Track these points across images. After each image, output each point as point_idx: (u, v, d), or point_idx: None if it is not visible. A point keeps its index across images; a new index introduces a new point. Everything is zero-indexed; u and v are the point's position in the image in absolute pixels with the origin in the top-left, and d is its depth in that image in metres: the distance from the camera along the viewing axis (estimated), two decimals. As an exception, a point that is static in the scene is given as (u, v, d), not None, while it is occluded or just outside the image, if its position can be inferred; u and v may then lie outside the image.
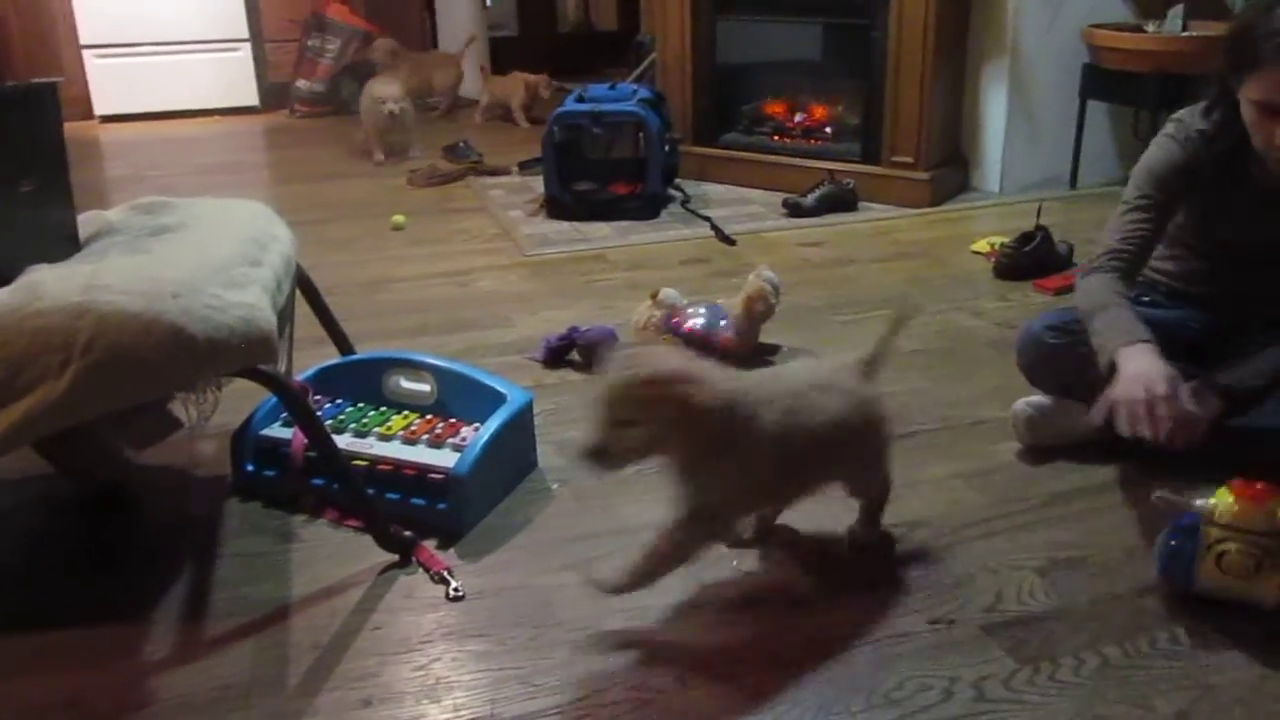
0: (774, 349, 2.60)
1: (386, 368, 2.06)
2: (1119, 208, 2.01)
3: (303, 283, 2.04)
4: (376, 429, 1.95)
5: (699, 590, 1.65)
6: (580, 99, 3.87)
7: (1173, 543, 1.57)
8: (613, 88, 3.97)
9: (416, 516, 1.82)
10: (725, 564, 1.72)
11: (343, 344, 2.19)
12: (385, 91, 4.59)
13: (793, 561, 1.73)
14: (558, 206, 3.81)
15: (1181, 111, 1.95)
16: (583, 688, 1.45)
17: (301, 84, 5.77)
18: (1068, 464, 2.00)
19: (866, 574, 1.69)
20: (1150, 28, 3.81)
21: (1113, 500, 1.90)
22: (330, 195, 4.11)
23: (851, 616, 1.58)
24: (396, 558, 1.74)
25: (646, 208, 3.79)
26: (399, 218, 3.72)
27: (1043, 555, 1.73)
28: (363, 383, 2.07)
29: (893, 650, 1.51)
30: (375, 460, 1.88)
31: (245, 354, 1.49)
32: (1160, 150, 1.94)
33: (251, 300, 1.52)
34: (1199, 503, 1.54)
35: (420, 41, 6.29)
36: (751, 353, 2.53)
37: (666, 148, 3.89)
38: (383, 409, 2.03)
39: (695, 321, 2.49)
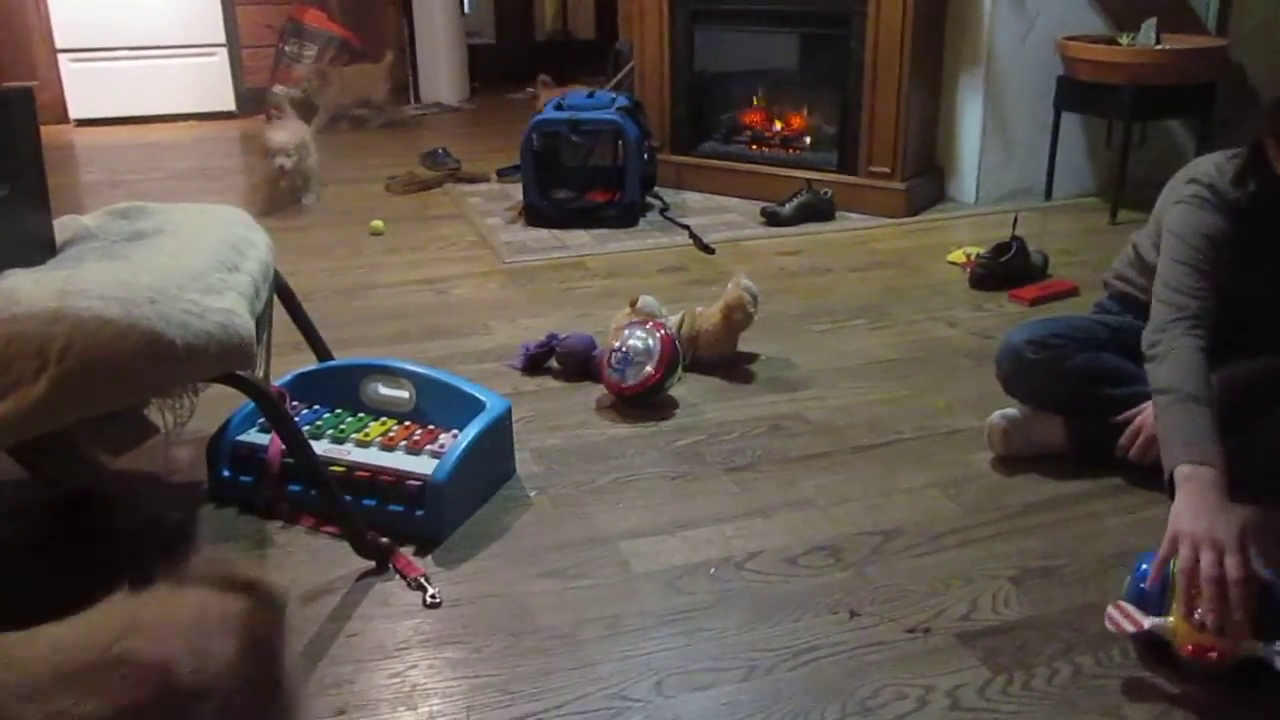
0: (752, 357, 2.61)
1: (364, 374, 2.05)
2: (1168, 264, 1.82)
3: (281, 289, 2.03)
4: (354, 435, 1.95)
5: (676, 599, 1.66)
6: (559, 107, 3.87)
7: (1140, 591, 1.52)
8: (591, 95, 3.97)
9: (394, 523, 1.82)
10: (703, 572, 1.73)
11: (320, 350, 2.19)
12: (278, 141, 4.06)
13: (768, 571, 1.74)
14: (536, 214, 3.81)
15: (1199, 171, 1.86)
16: (559, 695, 1.45)
17: (278, 89, 5.74)
18: (1041, 475, 2.02)
19: (842, 584, 1.70)
20: (1123, 40, 3.85)
21: (1086, 510, 1.92)
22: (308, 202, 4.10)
23: (828, 625, 1.59)
24: (373, 564, 1.74)
25: (625, 216, 3.79)
26: (377, 223, 3.71)
27: (1017, 564, 1.74)
28: (340, 389, 2.06)
29: (868, 659, 1.52)
30: (352, 467, 1.87)
31: (222, 360, 1.48)
32: (1188, 216, 1.82)
33: (229, 306, 1.51)
34: (1153, 622, 1.47)
35: (398, 49, 6.27)
36: (731, 361, 2.54)
37: (645, 155, 3.89)
38: (360, 415, 2.03)
39: (611, 375, 2.32)
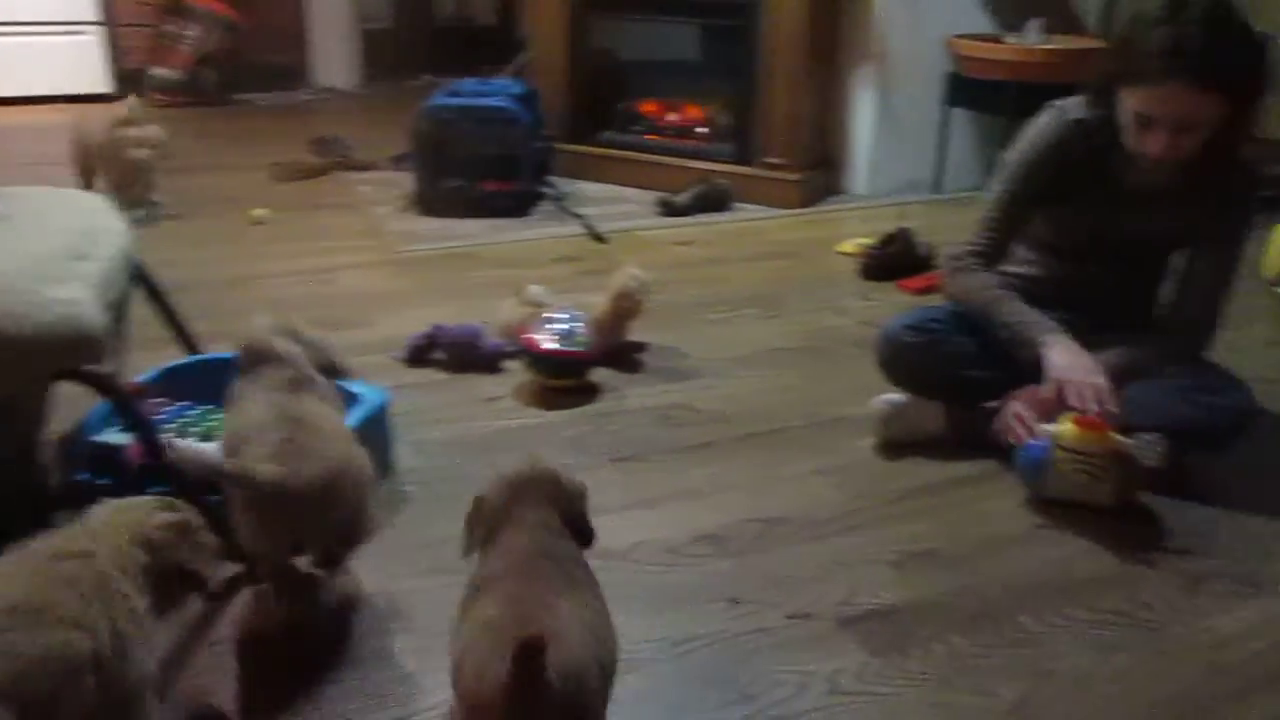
0: (641, 346, 2.59)
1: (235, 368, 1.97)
2: (986, 201, 2.08)
3: (144, 279, 1.94)
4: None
5: (557, 591, 1.63)
6: (451, 93, 3.80)
7: (1029, 454, 1.86)
8: (485, 82, 3.91)
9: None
10: (584, 564, 1.70)
11: (189, 344, 2.09)
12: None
13: (650, 562, 1.72)
14: (428, 203, 3.74)
15: (1060, 100, 2.01)
16: (434, 695, 1.41)
17: (159, 72, 5.52)
18: (922, 459, 2.05)
19: (725, 572, 1.69)
20: (1010, 39, 3.94)
21: (963, 494, 1.95)
22: (188, 189, 3.94)
23: (708, 614, 1.58)
24: (240, 567, 1.66)
25: (518, 205, 3.75)
26: (259, 211, 3.59)
27: (896, 549, 1.76)
28: (211, 384, 1.97)
29: (749, 646, 1.51)
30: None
31: (65, 354, 1.39)
32: (1035, 131, 2.01)
33: (74, 296, 1.43)
34: (1048, 428, 1.84)
35: (290, 33, 6.09)
36: (620, 350, 2.52)
37: (539, 144, 3.85)
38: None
39: (547, 341, 2.30)
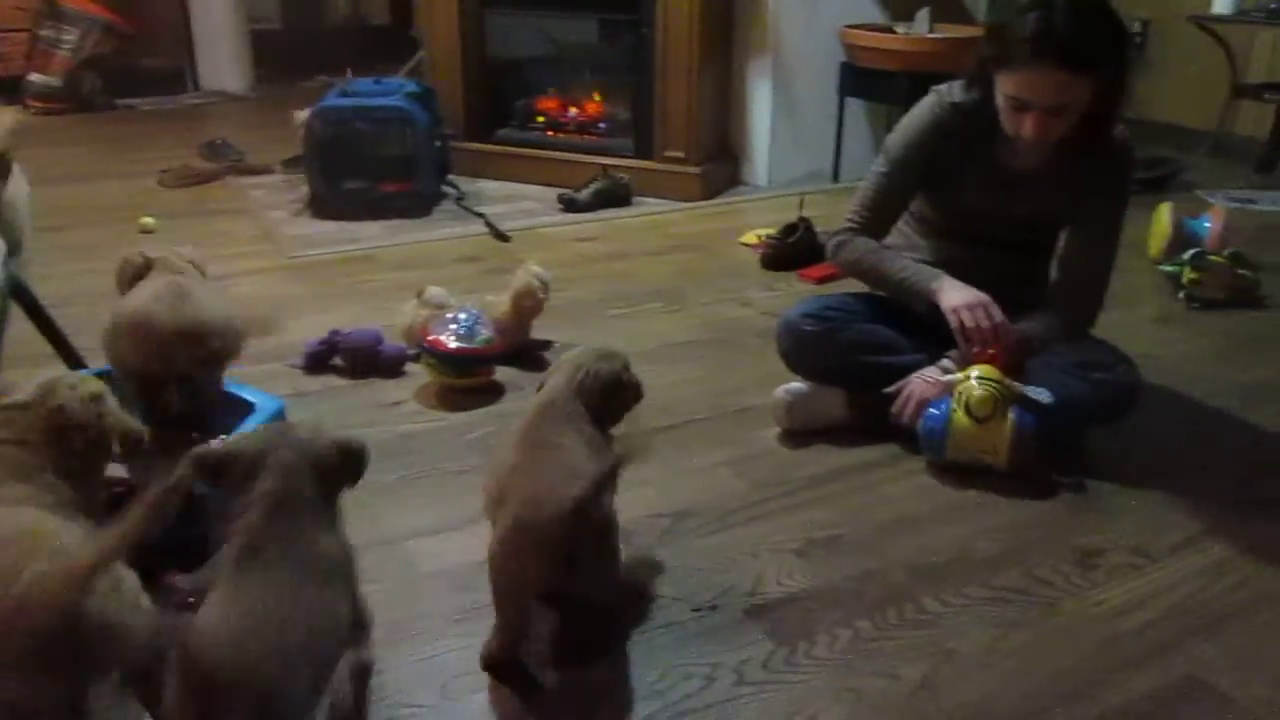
0: (546, 344, 2.57)
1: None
2: (865, 181, 2.14)
3: (19, 293, 1.86)
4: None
5: (464, 597, 1.61)
6: (344, 93, 3.72)
7: (929, 418, 1.93)
8: (378, 82, 3.85)
9: (155, 541, 1.68)
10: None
11: (70, 358, 2.02)
12: None
13: (560, 559, 1.71)
14: (324, 206, 3.66)
15: (942, 85, 2.06)
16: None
17: (35, 78, 5.29)
18: (826, 446, 2.07)
19: (632, 567, 1.69)
20: (900, 29, 4.01)
21: (867, 479, 1.98)
22: (70, 199, 3.79)
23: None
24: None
25: (418, 205, 3.69)
26: (147, 219, 3.47)
27: (801, 536, 1.78)
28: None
29: (656, 641, 1.51)
30: (110, 483, 1.73)
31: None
32: (914, 114, 2.07)
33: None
34: (951, 377, 1.96)
35: (175, 35, 5.91)
36: (523, 349, 2.50)
37: (437, 144, 3.80)
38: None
39: (450, 340, 2.26)
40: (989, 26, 1.95)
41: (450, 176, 3.98)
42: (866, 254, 2.09)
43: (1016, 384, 1.91)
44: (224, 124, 5.27)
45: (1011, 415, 1.89)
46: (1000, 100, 1.89)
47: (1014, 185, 2.02)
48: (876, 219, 2.11)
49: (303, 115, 3.66)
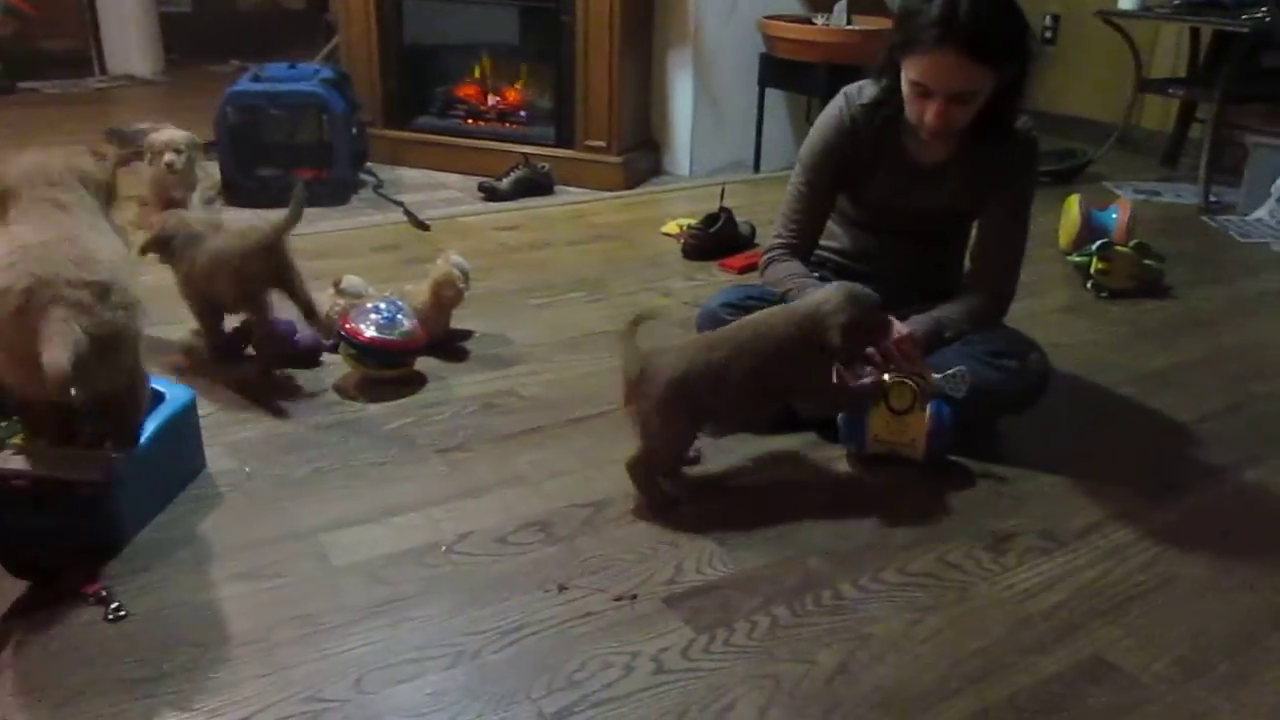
0: (467, 334, 2.55)
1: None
2: (787, 192, 2.15)
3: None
4: (10, 440, 1.74)
5: (379, 590, 1.58)
6: (256, 78, 3.63)
7: (851, 416, 1.94)
8: (293, 67, 3.76)
9: (64, 535, 1.63)
10: (408, 559, 1.66)
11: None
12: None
13: (477, 552, 1.69)
14: (238, 193, 3.57)
15: (850, 85, 2.09)
16: (248, 705, 1.34)
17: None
18: (745, 436, 2.07)
19: (553, 559, 1.68)
20: (818, 20, 4.05)
21: (786, 467, 2.00)
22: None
23: (537, 602, 1.57)
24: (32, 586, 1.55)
25: (334, 193, 3.62)
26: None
27: (722, 525, 1.78)
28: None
29: (576, 631, 1.50)
30: (9, 476, 1.66)
31: None
32: (822, 120, 2.11)
33: None
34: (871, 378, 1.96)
35: (81, 17, 5.71)
36: (443, 339, 2.47)
37: (354, 130, 3.73)
38: (17, 418, 1.81)
39: (370, 330, 2.23)
40: (898, 12, 1.97)
41: (368, 164, 3.92)
42: (778, 279, 2.11)
43: (934, 376, 1.94)
44: (132, 109, 5.11)
45: (929, 407, 1.92)
46: (905, 88, 1.92)
47: (922, 178, 2.05)
48: (802, 230, 2.13)
49: (161, 138, 3.23)
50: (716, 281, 3.01)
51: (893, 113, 2.00)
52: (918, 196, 2.07)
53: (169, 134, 3.22)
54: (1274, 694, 1.43)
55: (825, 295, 1.82)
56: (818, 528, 1.78)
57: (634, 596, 1.58)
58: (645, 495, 1.83)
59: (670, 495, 1.84)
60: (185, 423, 1.85)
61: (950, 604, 1.60)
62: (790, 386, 1.86)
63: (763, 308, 2.09)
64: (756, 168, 4.29)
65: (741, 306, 2.09)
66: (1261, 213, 3.77)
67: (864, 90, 2.06)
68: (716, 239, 3.22)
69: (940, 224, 2.14)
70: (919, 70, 1.86)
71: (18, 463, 1.68)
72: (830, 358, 1.83)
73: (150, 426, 1.73)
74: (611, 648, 1.47)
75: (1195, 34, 4.39)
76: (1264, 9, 3.78)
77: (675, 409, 1.77)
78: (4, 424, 1.80)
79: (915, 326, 1.97)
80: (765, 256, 2.18)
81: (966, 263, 2.19)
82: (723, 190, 3.42)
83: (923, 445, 1.93)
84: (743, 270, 3.08)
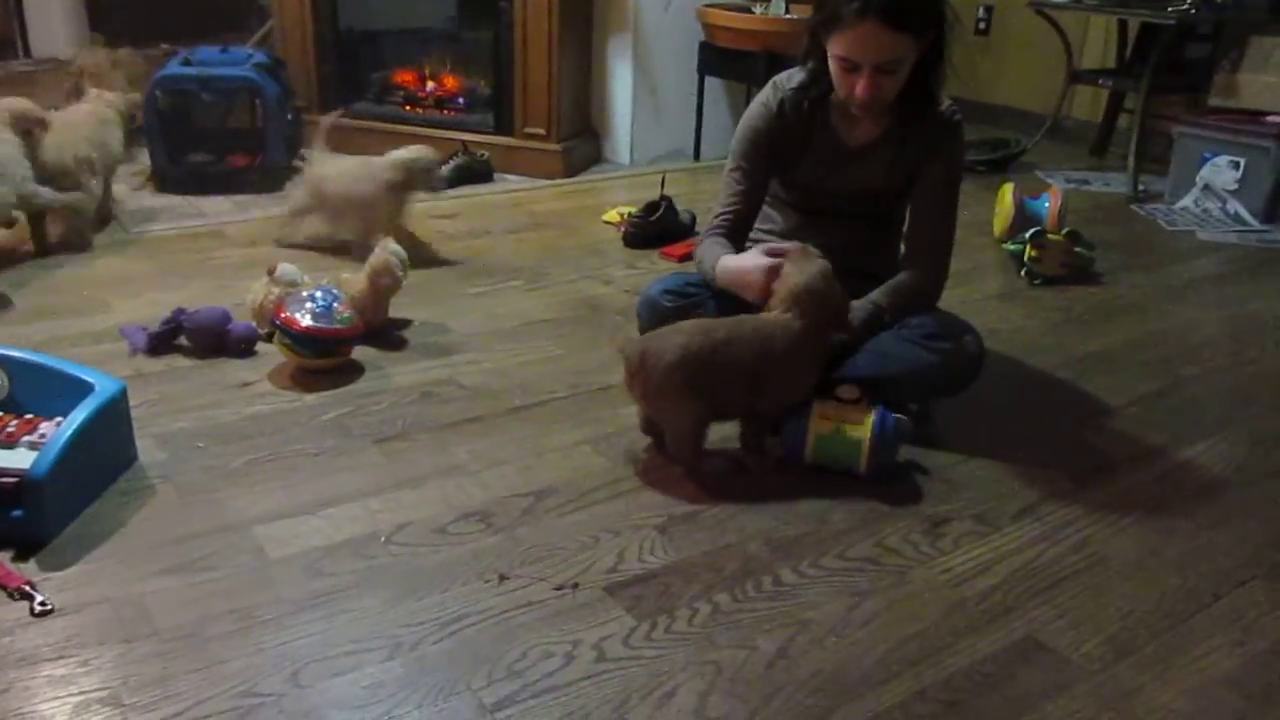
0: (405, 323, 2.52)
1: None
2: (722, 179, 2.15)
3: None
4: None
5: (316, 582, 1.56)
6: (186, 62, 3.55)
7: (791, 427, 1.92)
8: (225, 51, 3.68)
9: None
10: (345, 551, 1.64)
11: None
12: None
13: (416, 543, 1.68)
14: (168, 180, 3.50)
15: (781, 74, 2.11)
16: (180, 701, 1.32)
17: None
18: (686, 422, 2.08)
19: (493, 548, 1.67)
20: (757, 9, 4.06)
21: (725, 456, 2.00)
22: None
23: (477, 592, 1.56)
24: (-46, 582, 1.51)
25: (268, 180, 3.56)
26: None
27: (663, 512, 1.79)
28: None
29: (516, 621, 1.50)
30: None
31: None
32: (751, 109, 2.12)
33: None
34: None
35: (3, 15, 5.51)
36: (381, 328, 2.44)
37: (288, 116, 3.67)
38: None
39: (305, 319, 2.18)
40: None
41: (303, 150, 3.85)
42: (707, 259, 2.09)
43: (857, 426, 1.88)
44: (56, 93, 4.96)
45: (873, 415, 1.89)
46: (833, 67, 1.94)
47: (850, 159, 2.09)
48: (736, 216, 2.14)
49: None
50: (657, 269, 3.01)
51: (821, 94, 2.03)
52: (848, 177, 2.10)
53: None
54: (1199, 673, 1.46)
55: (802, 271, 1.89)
56: (757, 514, 1.79)
57: (575, 585, 1.58)
58: (697, 477, 1.90)
59: (729, 465, 1.94)
60: (115, 414, 1.81)
61: (888, 588, 1.61)
62: (773, 383, 1.88)
63: (702, 294, 2.11)
64: (696, 156, 4.29)
65: (682, 293, 2.09)
66: (1187, 201, 3.86)
67: (793, 78, 2.08)
68: (657, 227, 3.22)
69: (872, 204, 2.17)
70: (844, 45, 1.89)
71: None
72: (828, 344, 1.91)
73: (79, 417, 1.69)
74: (552, 637, 1.47)
75: (1123, 26, 4.48)
76: (1188, 2, 3.87)
77: (679, 388, 1.83)
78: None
79: (855, 313, 1.98)
80: (702, 234, 2.18)
81: (901, 248, 2.21)
82: (663, 178, 3.42)
83: (865, 460, 1.88)
84: (683, 258, 3.09)
